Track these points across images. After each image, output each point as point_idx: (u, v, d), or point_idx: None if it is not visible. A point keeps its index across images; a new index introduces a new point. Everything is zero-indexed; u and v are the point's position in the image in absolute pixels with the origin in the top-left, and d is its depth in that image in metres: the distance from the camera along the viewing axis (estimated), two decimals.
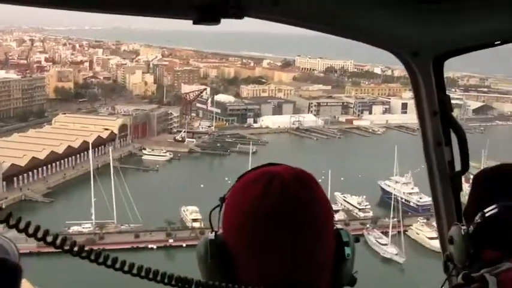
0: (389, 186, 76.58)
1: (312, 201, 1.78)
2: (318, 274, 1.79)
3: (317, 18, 2.75)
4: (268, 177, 1.77)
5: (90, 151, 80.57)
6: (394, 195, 73.88)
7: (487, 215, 2.28)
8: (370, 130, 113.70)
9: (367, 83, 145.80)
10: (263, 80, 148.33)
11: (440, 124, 3.27)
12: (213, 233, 1.81)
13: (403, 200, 74.19)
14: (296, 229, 1.74)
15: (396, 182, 76.41)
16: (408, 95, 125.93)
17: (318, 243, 1.78)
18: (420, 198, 73.76)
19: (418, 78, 3.19)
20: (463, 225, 2.36)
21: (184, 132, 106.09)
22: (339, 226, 1.84)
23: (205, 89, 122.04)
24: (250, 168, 1.88)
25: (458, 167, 3.24)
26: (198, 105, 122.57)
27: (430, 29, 2.96)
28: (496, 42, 3.10)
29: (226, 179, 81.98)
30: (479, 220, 2.29)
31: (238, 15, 2.27)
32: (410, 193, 74.87)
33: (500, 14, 2.89)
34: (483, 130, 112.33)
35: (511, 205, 2.27)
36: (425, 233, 64.55)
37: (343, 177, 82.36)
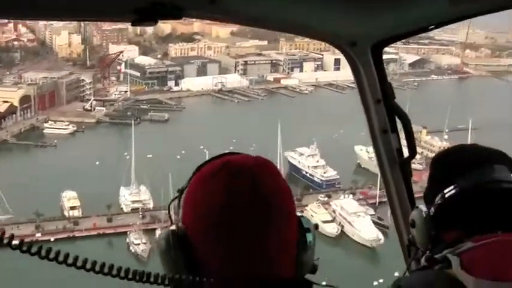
0: (294, 158, 69.77)
1: (277, 190, 1.84)
2: (284, 264, 1.83)
3: (254, 15, 2.80)
4: (231, 167, 1.82)
5: None
6: (299, 168, 67.58)
7: (446, 195, 2.32)
8: (297, 90, 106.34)
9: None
10: (197, 37, 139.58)
11: (385, 111, 3.34)
12: (174, 225, 1.84)
13: (308, 175, 67.77)
14: (263, 220, 1.78)
15: (301, 154, 69.64)
16: None
17: (283, 233, 1.82)
18: (325, 172, 67.28)
19: (358, 68, 3.26)
20: (423, 208, 2.40)
21: (94, 100, 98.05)
22: (299, 213, 1.90)
23: (122, 51, 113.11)
24: (208, 158, 1.92)
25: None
26: (120, 68, 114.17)
27: (366, 18, 3.01)
28: (430, 27, 3.22)
29: (126, 154, 75.09)
30: (439, 201, 2.34)
31: (176, 16, 2.33)
32: (315, 166, 68.20)
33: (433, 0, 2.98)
34: (417, 86, 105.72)
35: (469, 184, 2.30)
36: (320, 215, 58.00)
37: (253, 147, 75.89)
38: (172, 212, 1.90)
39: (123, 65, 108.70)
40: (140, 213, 61.41)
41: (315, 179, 67.33)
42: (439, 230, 2.36)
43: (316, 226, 1.93)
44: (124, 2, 2.28)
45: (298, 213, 1.87)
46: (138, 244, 55.09)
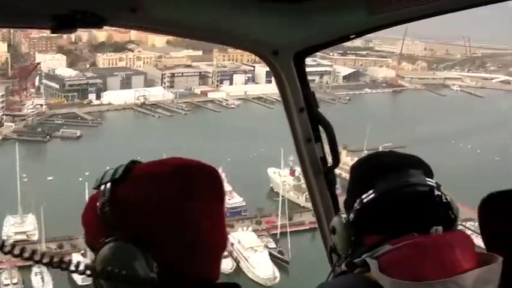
0: None
1: (218, 192, 1.97)
2: (216, 264, 1.95)
3: (176, 24, 2.82)
4: (169, 171, 1.90)
5: None
6: None
7: (365, 200, 2.38)
8: (224, 104, 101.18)
9: None
10: (130, 46, 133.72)
11: (308, 120, 3.41)
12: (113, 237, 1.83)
13: None
14: (209, 221, 1.89)
15: None
16: None
17: (222, 234, 1.96)
18: (229, 199, 62.02)
19: (281, 76, 3.31)
20: (343, 214, 2.46)
21: (4, 115, 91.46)
22: None
23: (39, 63, 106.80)
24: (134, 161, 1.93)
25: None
26: (43, 80, 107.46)
27: (288, 27, 3.09)
28: (351, 36, 3.28)
29: (24, 175, 69.07)
30: (358, 207, 2.39)
31: (97, 24, 2.35)
32: None
33: (352, 8, 3.06)
34: (348, 100, 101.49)
35: (386, 189, 2.35)
36: None
37: None
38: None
39: (37, 78, 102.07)
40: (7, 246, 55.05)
41: None
42: (359, 235, 2.39)
43: None
44: (43, 8, 2.25)
45: None
46: (8, 285, 49.09)
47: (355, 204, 2.39)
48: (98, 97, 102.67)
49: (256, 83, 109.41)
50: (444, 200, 2.38)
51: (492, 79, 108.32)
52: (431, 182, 2.37)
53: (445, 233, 2.29)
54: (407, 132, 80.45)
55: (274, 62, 3.20)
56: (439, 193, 2.37)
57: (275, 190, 66.56)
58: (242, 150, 74.45)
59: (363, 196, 2.37)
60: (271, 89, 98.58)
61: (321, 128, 3.47)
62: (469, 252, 2.23)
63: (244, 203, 61.84)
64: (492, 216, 2.63)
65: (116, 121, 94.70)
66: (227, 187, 62.61)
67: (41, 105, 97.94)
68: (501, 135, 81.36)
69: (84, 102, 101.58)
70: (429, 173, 2.42)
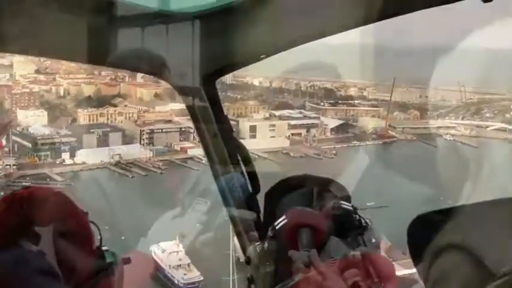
0: (157, 255, 58.27)
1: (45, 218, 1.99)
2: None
3: (63, 48, 2.66)
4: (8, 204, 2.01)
5: None
6: (163, 268, 56.31)
7: (277, 227, 2.36)
8: (204, 161, 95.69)
9: (239, 96, 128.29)
10: (115, 102, 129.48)
11: (223, 146, 3.30)
12: None
13: (170, 275, 56.42)
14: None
15: (163, 250, 58.25)
16: (261, 115, 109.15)
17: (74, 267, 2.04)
18: (185, 274, 55.96)
19: (191, 100, 3.19)
20: (258, 244, 2.41)
21: None
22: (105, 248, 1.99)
23: (10, 120, 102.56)
24: None
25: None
26: (15, 138, 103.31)
27: (194, 49, 3.00)
28: (261, 56, 3.19)
29: None
30: (271, 234, 2.39)
31: None
32: (177, 266, 56.82)
33: (261, 29, 2.98)
34: (334, 154, 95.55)
35: (297, 211, 2.32)
36: None
37: (124, 237, 64.84)
38: None
39: (4, 137, 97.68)
40: None
41: (175, 281, 55.92)
42: (274, 263, 2.35)
43: (127, 260, 1.91)
44: None
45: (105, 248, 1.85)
46: None
47: (269, 232, 2.32)
48: (73, 156, 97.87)
49: (242, 138, 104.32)
50: (364, 224, 2.29)
51: (487, 127, 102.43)
52: (347, 205, 2.31)
53: (364, 257, 2.16)
54: (395, 189, 74.67)
55: (182, 86, 3.04)
56: (357, 217, 2.29)
57: (241, 260, 60.35)
58: (215, 215, 68.66)
59: (275, 223, 2.28)
60: (256, 144, 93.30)
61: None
62: (388, 276, 2.13)
63: (201, 278, 55.67)
64: (420, 237, 2.40)
65: (87, 182, 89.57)
66: (185, 260, 57.25)
67: (10, 165, 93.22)
68: (496, 188, 75.28)
69: (57, 162, 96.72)
70: (346, 197, 2.35)
